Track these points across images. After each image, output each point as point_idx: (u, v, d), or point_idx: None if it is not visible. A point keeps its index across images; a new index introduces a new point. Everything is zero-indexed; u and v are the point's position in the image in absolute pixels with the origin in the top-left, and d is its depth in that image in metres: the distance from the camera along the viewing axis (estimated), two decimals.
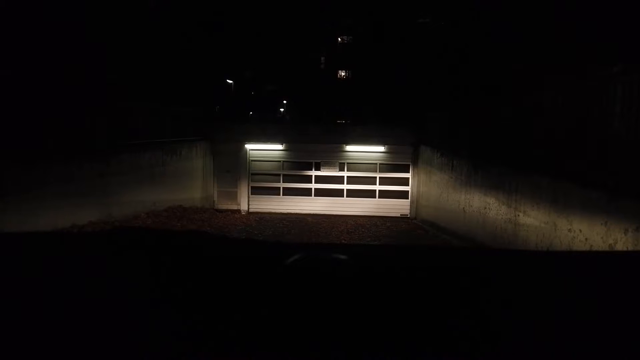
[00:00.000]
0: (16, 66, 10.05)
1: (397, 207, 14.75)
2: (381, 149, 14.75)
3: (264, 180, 15.28)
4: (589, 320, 0.74)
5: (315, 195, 15.06)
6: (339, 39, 33.57)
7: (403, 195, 14.82)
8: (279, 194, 15.20)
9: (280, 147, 15.07)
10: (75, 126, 8.14)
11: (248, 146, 15.11)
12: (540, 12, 12.75)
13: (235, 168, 15.03)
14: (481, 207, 8.76)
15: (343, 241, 10.74)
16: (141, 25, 14.82)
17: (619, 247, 4.48)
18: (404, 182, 14.82)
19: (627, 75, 4.73)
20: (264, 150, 15.19)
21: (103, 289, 0.83)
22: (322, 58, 33.83)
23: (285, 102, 35.57)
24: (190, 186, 13.40)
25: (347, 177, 15.00)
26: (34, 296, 0.78)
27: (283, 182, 15.24)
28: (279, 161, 15.28)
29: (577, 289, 0.89)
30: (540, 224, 6.33)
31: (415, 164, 14.53)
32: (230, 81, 27.94)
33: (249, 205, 15.14)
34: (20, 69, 9.72)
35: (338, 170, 15.04)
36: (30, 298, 0.77)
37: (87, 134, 8.43)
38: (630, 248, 4.31)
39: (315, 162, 15.08)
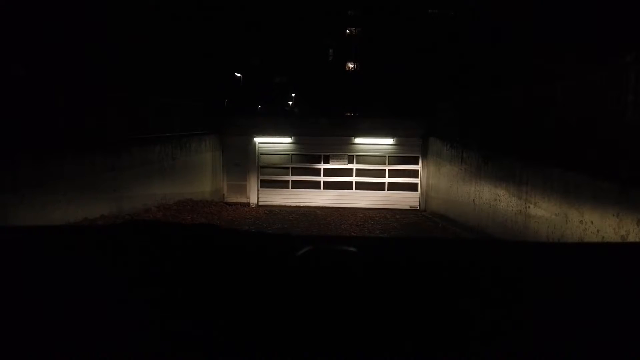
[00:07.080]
0: (29, 62, 10.14)
1: (407, 200, 14.71)
2: (390, 141, 14.68)
3: (273, 173, 15.31)
4: (605, 317, 0.73)
5: (324, 188, 15.06)
6: (348, 31, 33.38)
7: (412, 187, 14.77)
8: (288, 187, 15.23)
9: (289, 140, 15.07)
10: (86, 121, 8.21)
11: (257, 139, 15.13)
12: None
13: (245, 161, 15.08)
14: (491, 198, 8.70)
15: (352, 234, 10.74)
16: (150, 19, 14.85)
17: (631, 238, 4.44)
18: (413, 174, 14.75)
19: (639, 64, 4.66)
20: (273, 144, 15.20)
21: (106, 286, 0.83)
22: (331, 50, 33.69)
23: (293, 95, 35.54)
24: (199, 180, 13.47)
25: (356, 169, 14.97)
26: (37, 293, 0.78)
27: (292, 175, 15.26)
28: (288, 154, 15.28)
29: (591, 283, 0.89)
30: (551, 216, 6.28)
31: (424, 156, 14.45)
32: (238, 74, 27.92)
33: (258, 198, 15.19)
34: (33, 66, 9.81)
35: (347, 162, 15.01)
36: (33, 295, 0.77)
37: (98, 129, 8.49)
38: None
39: (324, 155, 15.06)
